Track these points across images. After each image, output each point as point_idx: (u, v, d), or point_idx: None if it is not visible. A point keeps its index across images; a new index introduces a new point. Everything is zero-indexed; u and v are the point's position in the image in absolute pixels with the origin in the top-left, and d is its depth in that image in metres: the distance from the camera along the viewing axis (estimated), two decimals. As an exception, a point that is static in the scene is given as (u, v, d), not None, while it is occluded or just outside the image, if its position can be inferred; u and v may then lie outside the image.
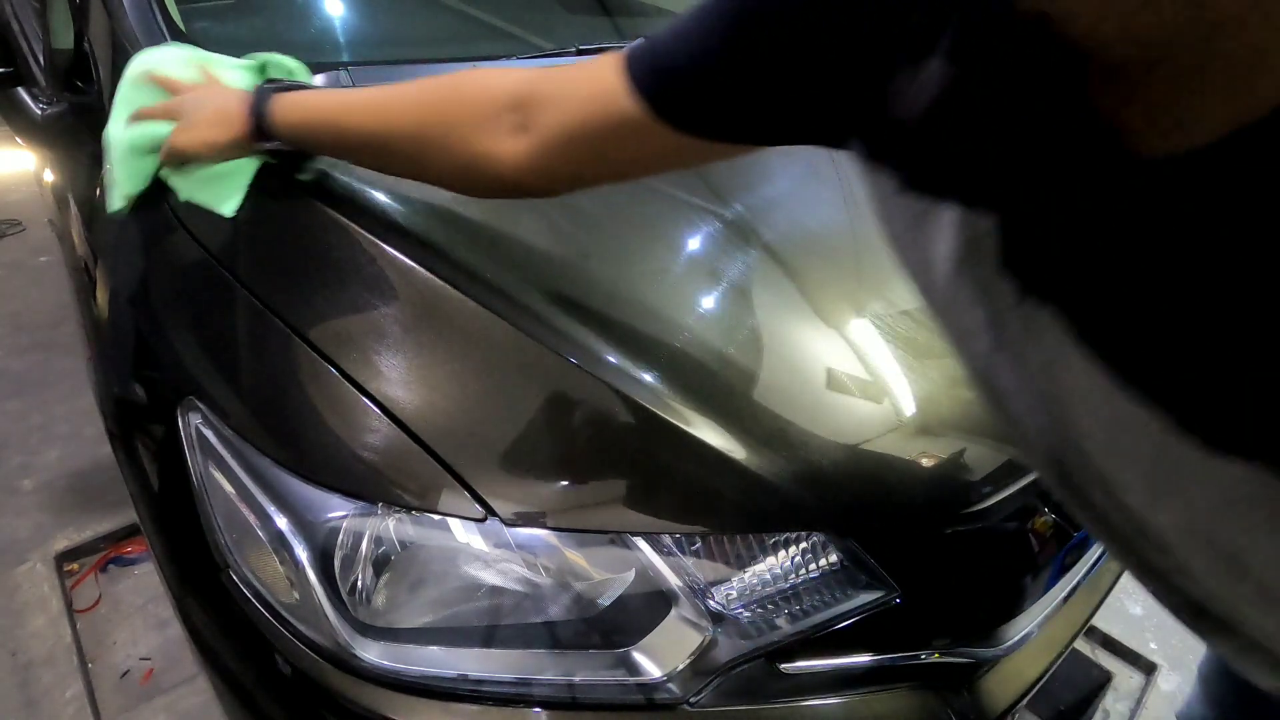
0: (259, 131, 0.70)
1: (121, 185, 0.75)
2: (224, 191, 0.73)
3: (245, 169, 0.74)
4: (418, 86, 0.60)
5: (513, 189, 0.57)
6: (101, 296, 0.85)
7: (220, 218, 0.75)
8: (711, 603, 0.63)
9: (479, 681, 0.60)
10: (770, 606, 0.65)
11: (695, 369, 0.69)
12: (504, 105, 0.54)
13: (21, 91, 1.00)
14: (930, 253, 0.34)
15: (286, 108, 0.69)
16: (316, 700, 0.62)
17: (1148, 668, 1.43)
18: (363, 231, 0.71)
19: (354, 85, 0.90)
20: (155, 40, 0.89)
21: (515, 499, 0.59)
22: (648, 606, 0.62)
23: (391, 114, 0.61)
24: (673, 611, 0.63)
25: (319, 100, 0.68)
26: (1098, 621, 0.94)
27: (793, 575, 0.66)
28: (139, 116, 0.75)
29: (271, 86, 0.74)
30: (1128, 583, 1.58)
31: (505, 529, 0.59)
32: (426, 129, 0.58)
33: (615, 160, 0.51)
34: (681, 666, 0.63)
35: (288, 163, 0.76)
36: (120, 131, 0.75)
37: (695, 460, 0.63)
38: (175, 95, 0.76)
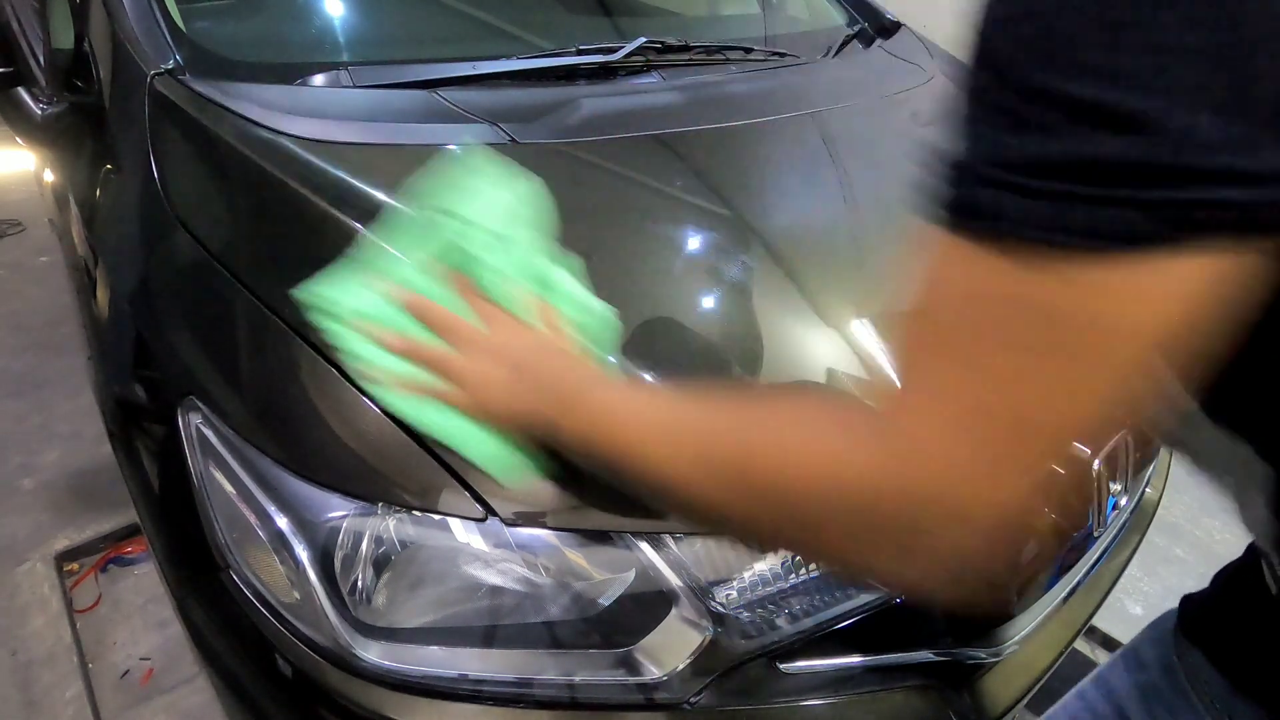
0: (549, 436, 0.50)
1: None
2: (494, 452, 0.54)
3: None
4: (724, 421, 0.38)
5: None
6: (101, 296, 0.85)
7: (221, 218, 0.75)
8: (711, 603, 0.63)
9: (479, 681, 0.60)
10: (770, 606, 0.65)
11: (695, 368, 0.69)
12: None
13: (21, 91, 1.00)
14: None
15: (583, 425, 0.46)
16: (316, 700, 0.62)
17: (1148, 668, 1.43)
18: (363, 231, 0.70)
19: (354, 85, 0.89)
20: (156, 40, 0.89)
21: (515, 499, 0.59)
22: (648, 606, 0.62)
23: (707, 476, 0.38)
24: (673, 611, 0.63)
25: (615, 423, 0.44)
26: (1098, 621, 0.94)
27: (793, 575, 0.66)
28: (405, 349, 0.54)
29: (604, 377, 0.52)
30: (1128, 583, 1.58)
31: (505, 529, 0.59)
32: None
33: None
34: (681, 666, 0.63)
35: (288, 163, 0.76)
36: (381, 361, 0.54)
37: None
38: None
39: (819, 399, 0.36)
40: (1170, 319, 0.26)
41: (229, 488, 0.64)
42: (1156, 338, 0.27)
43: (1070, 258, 0.25)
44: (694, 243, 0.83)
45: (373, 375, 0.55)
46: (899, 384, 0.30)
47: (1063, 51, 0.24)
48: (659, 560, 0.62)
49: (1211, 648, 0.49)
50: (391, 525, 0.60)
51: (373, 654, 0.60)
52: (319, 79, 0.89)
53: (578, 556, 0.61)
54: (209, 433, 0.66)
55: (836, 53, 1.34)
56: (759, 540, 0.40)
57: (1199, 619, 0.52)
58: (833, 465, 0.31)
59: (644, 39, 1.07)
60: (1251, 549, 0.49)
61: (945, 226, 0.27)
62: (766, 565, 0.65)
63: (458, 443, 0.54)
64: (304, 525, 0.60)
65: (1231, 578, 0.51)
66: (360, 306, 0.55)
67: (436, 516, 0.59)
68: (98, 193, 0.92)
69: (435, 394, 0.53)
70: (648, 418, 0.43)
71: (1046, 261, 0.25)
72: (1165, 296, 0.25)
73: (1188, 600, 0.54)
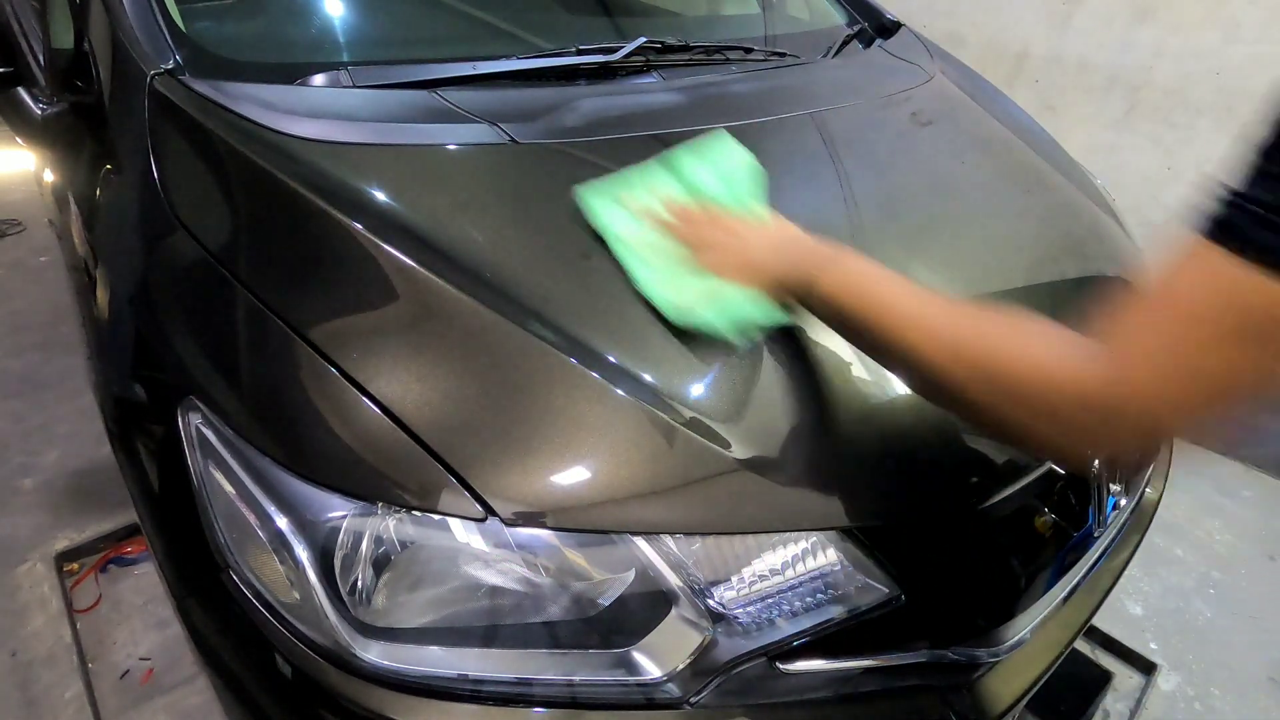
0: (803, 290, 0.64)
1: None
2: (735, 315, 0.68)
3: (764, 308, 0.68)
4: (970, 323, 0.51)
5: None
6: (101, 296, 0.85)
7: (220, 218, 0.75)
8: (711, 603, 0.63)
9: (479, 681, 0.61)
10: (770, 606, 0.65)
11: (695, 369, 0.69)
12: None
13: (21, 91, 1.00)
14: None
15: (838, 284, 0.60)
16: (316, 700, 0.62)
17: (1148, 668, 1.43)
18: (363, 231, 0.70)
19: (353, 85, 0.90)
20: (156, 40, 0.89)
21: (515, 499, 0.59)
22: (648, 606, 0.62)
23: (941, 350, 0.52)
24: (673, 611, 0.63)
25: (870, 290, 0.58)
26: (1098, 621, 0.94)
27: (792, 575, 0.66)
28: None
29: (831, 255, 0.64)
30: (1128, 583, 1.59)
31: (505, 529, 0.59)
32: (980, 381, 0.49)
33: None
34: (681, 666, 0.63)
35: (288, 163, 0.76)
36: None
37: (695, 460, 0.63)
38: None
39: (1047, 323, 0.48)
40: None
41: (229, 488, 0.64)
42: None
43: (1268, 272, 0.36)
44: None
45: (635, 247, 0.72)
46: (1125, 331, 0.43)
47: None
48: (658, 560, 0.62)
49: None
50: (391, 525, 0.60)
51: (373, 654, 0.60)
52: (319, 79, 0.89)
53: (577, 556, 0.61)
54: (209, 433, 0.66)
55: (836, 53, 1.34)
56: (974, 413, 0.52)
57: None
58: (1060, 371, 0.44)
59: (644, 39, 1.07)
60: None
61: (1205, 235, 0.39)
62: (766, 565, 0.65)
63: (710, 305, 0.68)
64: (304, 525, 0.60)
65: None
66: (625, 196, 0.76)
67: (436, 516, 0.59)
68: (97, 193, 0.92)
69: (690, 256, 0.71)
70: (901, 297, 0.56)
71: (1257, 271, 0.36)
72: None
73: None
